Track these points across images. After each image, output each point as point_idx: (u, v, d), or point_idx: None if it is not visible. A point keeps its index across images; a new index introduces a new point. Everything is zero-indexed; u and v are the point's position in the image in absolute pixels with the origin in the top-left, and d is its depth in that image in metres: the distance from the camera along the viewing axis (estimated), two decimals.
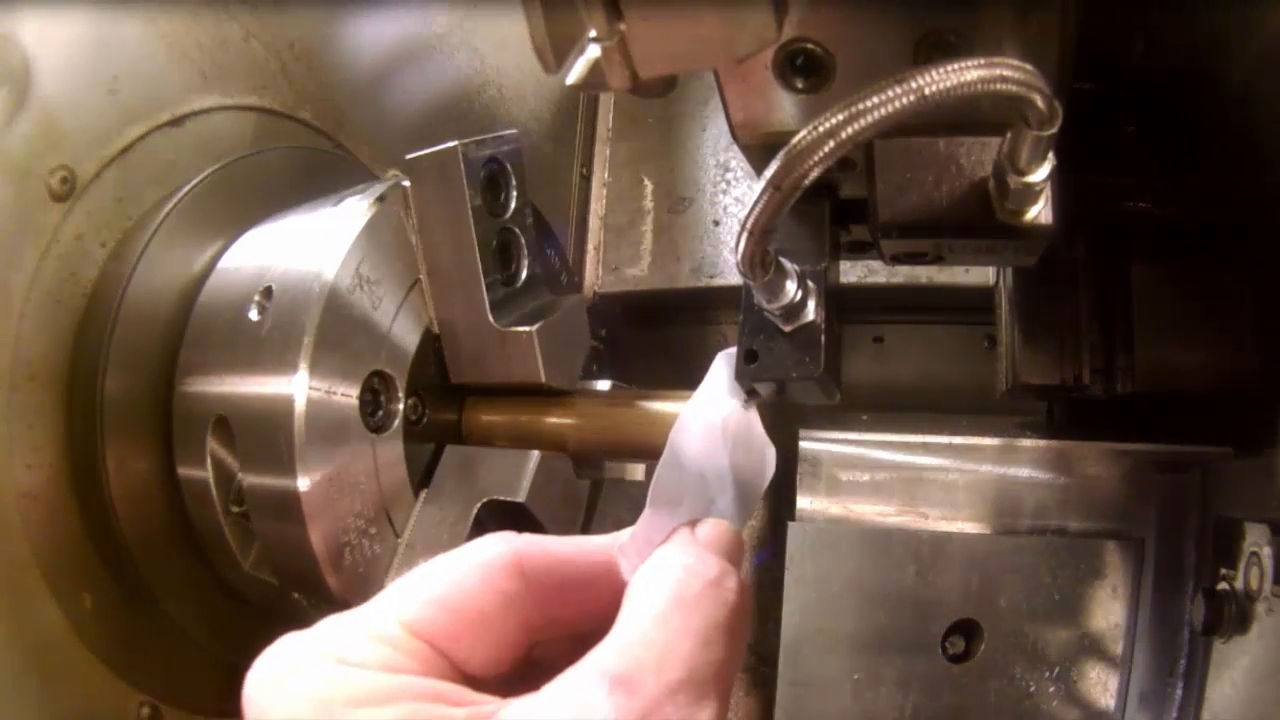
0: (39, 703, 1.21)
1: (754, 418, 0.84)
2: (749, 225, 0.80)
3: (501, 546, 0.73)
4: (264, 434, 1.20)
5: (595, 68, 0.75)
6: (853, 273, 2.00)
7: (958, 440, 1.64)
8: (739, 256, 0.85)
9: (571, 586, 0.76)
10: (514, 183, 1.35)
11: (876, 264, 1.94)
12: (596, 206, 2.35)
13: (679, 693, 0.64)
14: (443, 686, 0.65)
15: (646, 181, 2.33)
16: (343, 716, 0.61)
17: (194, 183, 1.36)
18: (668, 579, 0.71)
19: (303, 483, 1.16)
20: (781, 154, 0.74)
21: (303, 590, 1.26)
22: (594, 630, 0.72)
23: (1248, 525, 1.30)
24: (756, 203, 0.78)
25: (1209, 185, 1.29)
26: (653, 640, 0.66)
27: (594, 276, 2.32)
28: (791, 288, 0.97)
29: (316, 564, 1.18)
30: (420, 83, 1.88)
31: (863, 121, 0.70)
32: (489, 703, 0.64)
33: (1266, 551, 1.24)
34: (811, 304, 1.00)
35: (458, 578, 0.71)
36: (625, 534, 0.80)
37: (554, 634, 0.76)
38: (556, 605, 0.75)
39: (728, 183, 2.25)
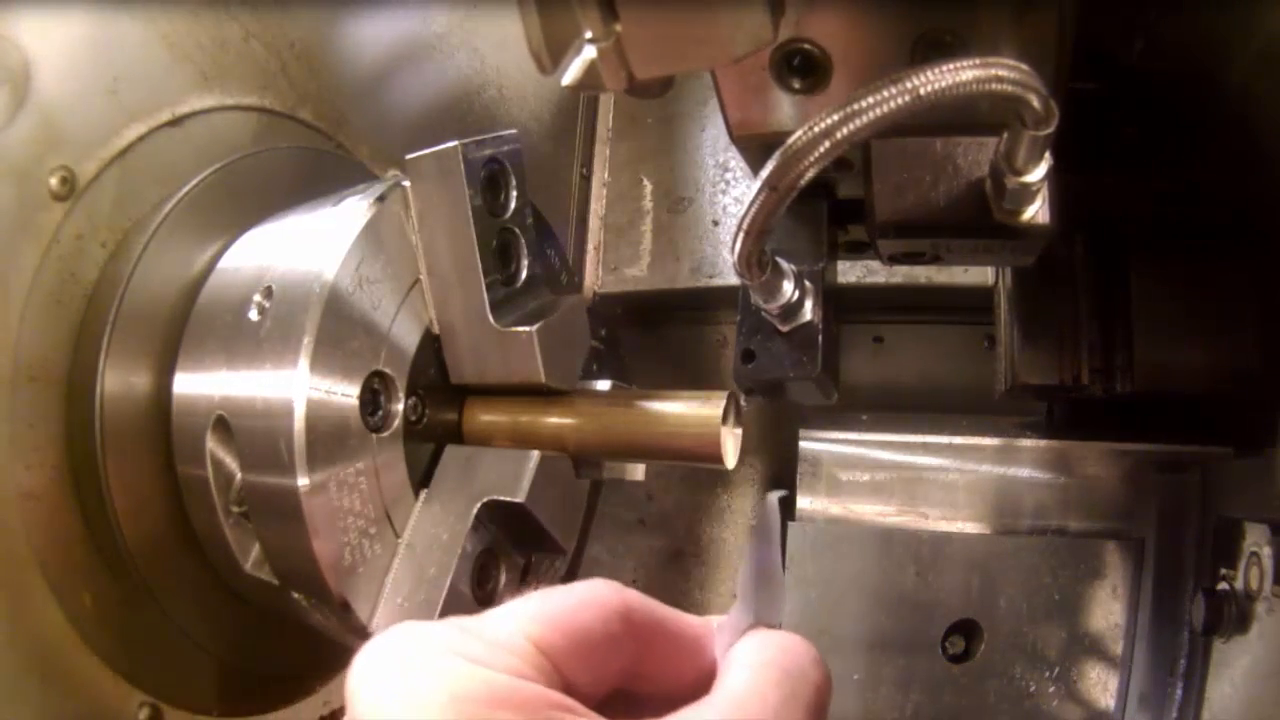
0: (39, 703, 1.21)
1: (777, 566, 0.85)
2: (745, 225, 0.80)
3: (613, 591, 0.75)
4: (264, 434, 1.19)
5: (591, 69, 0.75)
6: (852, 272, 2.00)
7: (958, 440, 1.65)
8: (736, 256, 0.85)
9: (667, 647, 0.78)
10: (514, 183, 1.35)
11: (876, 264, 1.94)
12: (596, 206, 2.36)
13: None
14: (571, 702, 0.65)
15: (646, 181, 2.34)
16: (481, 717, 0.61)
17: (194, 183, 1.36)
18: (776, 653, 0.73)
19: (302, 483, 1.16)
20: (777, 154, 0.74)
21: (303, 590, 1.26)
22: (669, 696, 0.74)
23: (1248, 525, 1.30)
24: (753, 203, 0.78)
25: (1208, 185, 1.29)
26: (768, 699, 0.68)
27: (594, 276, 2.33)
28: (789, 288, 0.98)
29: (316, 564, 1.18)
30: (420, 83, 1.88)
31: (858, 122, 0.70)
32: None
33: (1266, 551, 1.25)
34: (809, 304, 1.00)
35: (574, 607, 0.72)
36: (722, 618, 0.82)
37: (644, 686, 0.78)
38: (651, 660, 0.76)
39: (727, 183, 2.25)
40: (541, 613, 0.71)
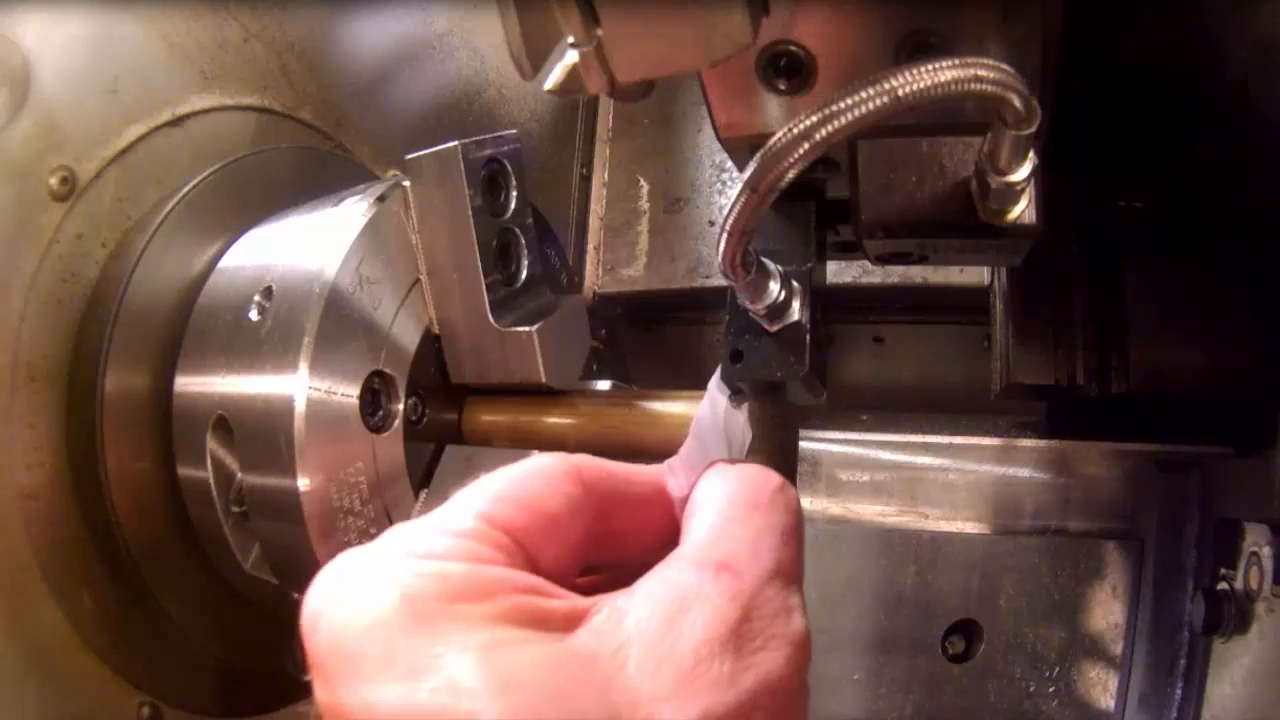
0: (39, 703, 1.21)
1: (741, 412, 0.86)
2: (727, 227, 0.80)
3: (558, 457, 0.74)
4: (264, 434, 1.20)
5: (573, 73, 0.75)
6: (847, 272, 2.01)
7: (958, 440, 1.64)
8: (719, 258, 0.85)
9: (625, 500, 0.76)
10: (514, 183, 1.35)
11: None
12: (596, 207, 2.36)
13: (775, 578, 0.65)
14: (535, 579, 0.63)
15: (643, 182, 2.34)
16: (440, 613, 0.58)
17: (194, 183, 1.36)
18: (738, 486, 0.73)
19: (303, 483, 1.16)
20: (757, 156, 0.74)
21: (303, 590, 1.25)
22: (645, 555, 0.74)
23: (1248, 525, 1.30)
24: (734, 204, 0.78)
25: (1204, 184, 1.29)
26: (739, 536, 0.68)
27: (594, 276, 2.34)
28: (775, 288, 0.97)
29: (316, 564, 1.18)
30: (420, 83, 1.88)
31: (837, 123, 0.70)
32: (577, 598, 0.63)
33: (1266, 551, 1.24)
34: (796, 304, 1.00)
35: (523, 478, 0.70)
36: (672, 459, 0.82)
37: (608, 552, 0.77)
38: (612, 517, 0.75)
39: (723, 183, 2.25)
40: (493, 491, 0.69)
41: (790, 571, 0.68)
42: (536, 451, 1.27)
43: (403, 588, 0.59)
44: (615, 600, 0.63)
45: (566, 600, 0.62)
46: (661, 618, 0.60)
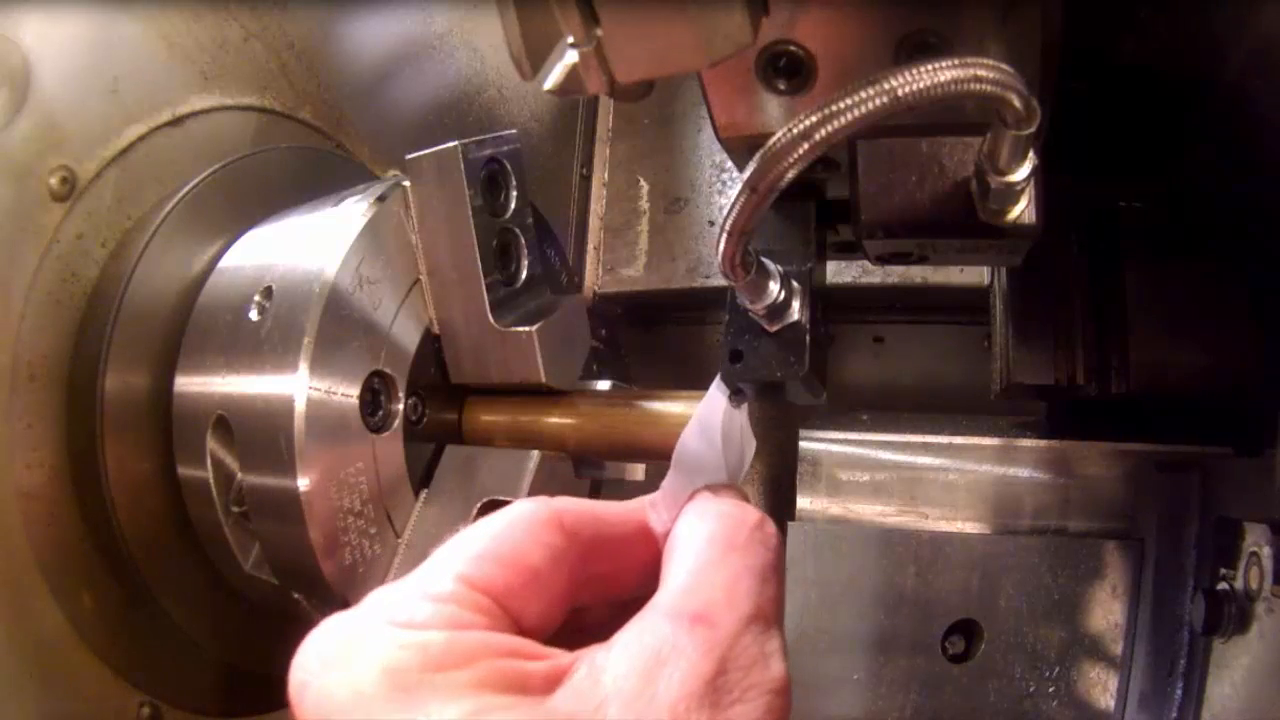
0: (39, 703, 1.21)
1: (742, 416, 0.85)
2: (727, 227, 0.80)
3: (539, 505, 0.73)
4: (264, 434, 1.20)
5: (573, 73, 0.75)
6: (847, 272, 2.01)
7: (958, 440, 1.64)
8: (719, 258, 0.85)
9: (608, 542, 0.76)
10: (514, 183, 1.35)
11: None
12: (596, 207, 2.36)
13: (752, 624, 0.65)
14: (515, 641, 0.64)
15: (642, 182, 2.35)
16: (420, 684, 0.59)
17: (194, 183, 1.36)
18: (715, 526, 0.73)
19: (303, 483, 1.16)
20: (757, 156, 0.74)
21: (303, 590, 1.26)
22: (632, 591, 0.75)
23: (1248, 525, 1.30)
24: (734, 205, 0.78)
25: (1204, 184, 1.29)
26: (716, 581, 0.68)
27: (594, 276, 2.34)
28: (774, 288, 0.98)
29: (316, 564, 1.18)
30: (420, 83, 1.88)
31: (837, 123, 0.70)
32: (559, 656, 0.64)
33: (1266, 551, 1.24)
34: (796, 304, 1.00)
35: (504, 532, 0.70)
36: (654, 494, 0.81)
37: (595, 594, 0.76)
38: (597, 560, 0.75)
39: (723, 183, 2.25)
40: (472, 549, 0.68)
41: (769, 614, 0.68)
42: (537, 451, 1.28)
43: (384, 660, 0.60)
44: (594, 656, 0.63)
45: (547, 660, 0.63)
46: (639, 673, 0.61)
